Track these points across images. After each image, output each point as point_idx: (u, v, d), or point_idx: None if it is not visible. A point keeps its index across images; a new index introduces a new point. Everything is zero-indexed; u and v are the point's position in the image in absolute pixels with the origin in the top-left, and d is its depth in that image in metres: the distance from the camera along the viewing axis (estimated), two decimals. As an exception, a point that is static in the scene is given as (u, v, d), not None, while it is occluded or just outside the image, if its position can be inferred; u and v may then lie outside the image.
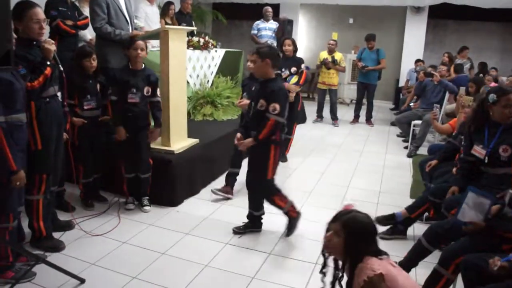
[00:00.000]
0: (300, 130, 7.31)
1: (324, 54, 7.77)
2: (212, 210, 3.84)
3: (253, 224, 3.46)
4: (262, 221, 3.50)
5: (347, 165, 5.44)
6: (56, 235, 3.14)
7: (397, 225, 3.42)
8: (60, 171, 3.24)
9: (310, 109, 8.41)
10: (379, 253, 1.72)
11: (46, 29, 2.80)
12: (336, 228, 1.76)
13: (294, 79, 5.13)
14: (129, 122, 3.62)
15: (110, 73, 3.61)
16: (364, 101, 8.00)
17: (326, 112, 8.01)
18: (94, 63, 3.55)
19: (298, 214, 3.41)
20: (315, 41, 11.03)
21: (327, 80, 7.73)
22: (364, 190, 4.51)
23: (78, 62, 3.51)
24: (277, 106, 3.02)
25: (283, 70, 5.09)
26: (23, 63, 2.60)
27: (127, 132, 3.63)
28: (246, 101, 3.10)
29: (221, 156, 4.59)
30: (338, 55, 7.70)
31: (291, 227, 3.39)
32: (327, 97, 7.86)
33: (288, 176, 4.89)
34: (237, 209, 3.80)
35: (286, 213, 3.39)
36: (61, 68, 2.80)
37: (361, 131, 7.51)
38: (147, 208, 3.80)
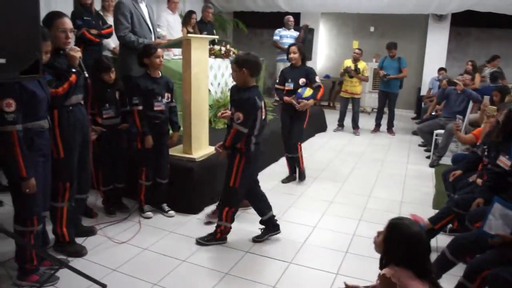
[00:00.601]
0: (320, 139, 7.31)
1: (348, 63, 7.73)
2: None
3: (268, 229, 3.45)
4: (277, 222, 3.50)
5: (368, 174, 5.38)
6: (78, 240, 3.18)
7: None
8: (88, 180, 3.28)
9: (331, 117, 8.37)
10: (422, 273, 1.71)
11: (72, 38, 2.86)
12: (384, 228, 1.83)
13: (308, 91, 4.55)
14: (155, 129, 3.67)
15: (133, 82, 3.65)
16: (386, 110, 7.93)
17: (347, 121, 7.96)
18: (113, 76, 3.59)
19: (223, 239, 3.36)
20: (335, 50, 11.01)
21: (350, 88, 7.69)
22: (385, 200, 4.46)
23: (97, 74, 3.54)
24: (241, 115, 3.05)
25: (289, 81, 4.64)
26: (49, 70, 2.67)
27: (152, 138, 3.66)
28: (228, 113, 3.19)
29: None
30: (361, 64, 7.65)
31: (207, 241, 3.34)
32: (349, 106, 7.82)
33: (309, 185, 4.87)
34: (257, 217, 3.79)
35: (216, 227, 3.36)
36: (86, 75, 2.85)
37: (383, 140, 7.44)
38: (171, 212, 3.86)
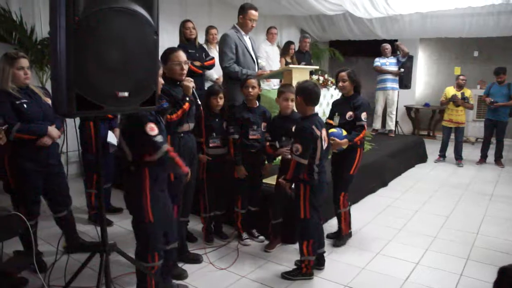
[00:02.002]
0: (420, 170, 6.95)
1: (451, 90, 7.31)
2: (330, 250, 3.74)
3: (318, 261, 3.35)
4: (325, 258, 3.41)
5: (474, 209, 4.97)
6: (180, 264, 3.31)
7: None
8: (190, 204, 3.43)
9: (431, 147, 7.93)
10: None
11: (186, 69, 3.06)
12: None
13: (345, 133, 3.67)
14: (250, 158, 3.73)
15: (230, 111, 3.78)
16: (493, 139, 7.33)
17: (449, 151, 7.49)
18: (221, 102, 3.69)
19: (309, 274, 3.23)
20: (436, 77, 10.50)
21: (454, 117, 7.24)
22: (496, 239, 4.06)
23: (206, 100, 3.67)
24: (299, 147, 2.98)
25: (336, 115, 3.84)
26: (166, 98, 2.87)
27: (246, 168, 3.72)
28: (283, 150, 3.23)
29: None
30: (467, 92, 7.19)
31: (294, 276, 3.23)
32: (451, 135, 7.36)
33: (409, 219, 4.61)
34: (354, 249, 3.67)
35: (300, 262, 3.25)
36: (199, 102, 3.07)
37: (490, 172, 6.86)
38: (261, 238, 3.91)
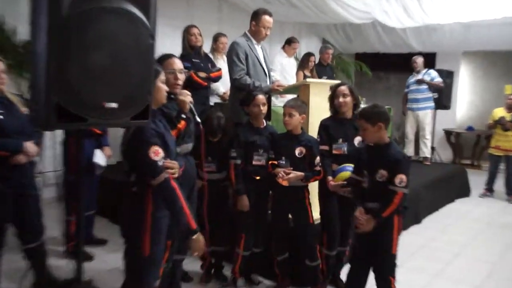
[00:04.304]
0: (462, 206, 6.87)
1: (500, 112, 7.21)
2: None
3: None
4: None
5: (529, 255, 4.86)
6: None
7: None
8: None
9: (476, 179, 7.84)
10: None
11: (182, 80, 3.03)
12: None
13: (352, 165, 3.43)
14: (254, 188, 3.66)
15: (235, 132, 3.73)
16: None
17: (498, 184, 7.37)
18: (216, 138, 3.71)
19: None
20: (481, 96, 10.43)
21: (503, 144, 7.14)
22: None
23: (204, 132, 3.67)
24: (404, 177, 2.98)
25: (339, 141, 3.64)
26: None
27: (250, 199, 3.63)
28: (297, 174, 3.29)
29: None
30: (519, 114, 7.12)
31: None
32: (501, 166, 7.25)
33: (447, 264, 4.51)
34: None
35: None
36: (198, 120, 3.01)
37: (547, 210, 6.73)
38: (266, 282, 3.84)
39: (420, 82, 7.75)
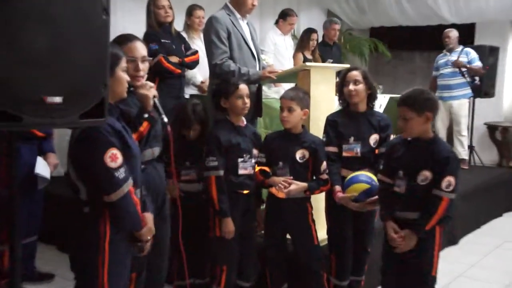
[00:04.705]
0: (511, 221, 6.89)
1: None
2: None
3: None
4: None
5: None
6: None
7: None
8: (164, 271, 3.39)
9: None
10: None
11: (145, 70, 3.00)
12: None
13: (368, 173, 3.58)
14: (240, 206, 3.63)
15: (212, 134, 3.66)
16: None
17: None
18: (193, 134, 3.74)
19: None
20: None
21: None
22: None
23: (175, 128, 3.65)
24: (452, 180, 3.04)
25: (350, 140, 3.70)
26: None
27: (235, 220, 3.58)
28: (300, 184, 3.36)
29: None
30: None
31: None
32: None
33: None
34: None
35: None
36: (165, 120, 2.95)
37: None
38: None
39: (457, 64, 7.66)
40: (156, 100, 2.93)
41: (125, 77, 2.58)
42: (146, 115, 2.88)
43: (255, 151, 3.70)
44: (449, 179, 3.02)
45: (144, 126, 2.87)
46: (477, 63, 7.73)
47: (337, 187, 3.54)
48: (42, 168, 4.08)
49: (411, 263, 3.14)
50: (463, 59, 7.70)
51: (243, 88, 3.63)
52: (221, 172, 3.54)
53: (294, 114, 3.52)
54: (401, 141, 3.27)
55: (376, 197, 3.43)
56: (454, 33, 7.85)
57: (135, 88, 2.92)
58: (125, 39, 2.91)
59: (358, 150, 3.65)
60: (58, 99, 1.97)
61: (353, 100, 3.68)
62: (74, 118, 2.07)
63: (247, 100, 3.62)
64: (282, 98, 3.63)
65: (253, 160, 3.69)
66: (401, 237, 3.08)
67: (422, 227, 3.04)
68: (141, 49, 2.95)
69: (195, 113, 3.72)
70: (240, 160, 3.60)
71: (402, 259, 3.15)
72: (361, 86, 3.64)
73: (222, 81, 3.86)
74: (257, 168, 3.69)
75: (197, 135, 3.75)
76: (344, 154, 3.67)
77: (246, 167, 3.62)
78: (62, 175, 5.16)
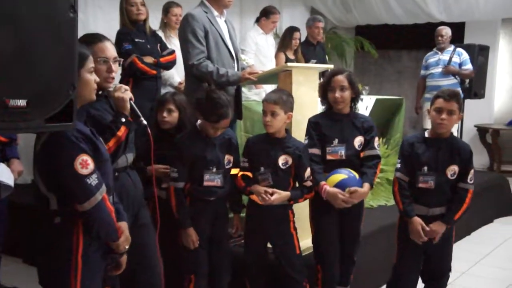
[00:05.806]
0: (503, 227, 6.97)
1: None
2: None
3: None
4: None
5: None
6: None
7: None
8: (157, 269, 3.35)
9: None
10: None
11: (117, 72, 3.00)
12: None
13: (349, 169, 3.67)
14: (206, 213, 3.64)
15: (176, 143, 3.64)
16: None
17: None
18: (169, 118, 3.72)
19: None
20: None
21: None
22: None
23: (155, 116, 3.71)
24: (473, 173, 3.41)
25: (334, 142, 3.71)
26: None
27: (203, 227, 3.61)
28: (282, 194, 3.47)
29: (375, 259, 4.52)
30: None
31: None
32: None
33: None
34: None
35: None
36: (144, 122, 2.92)
37: None
38: None
39: (448, 72, 7.73)
40: (132, 102, 2.89)
41: (92, 78, 2.52)
42: (123, 119, 2.84)
43: (228, 158, 3.66)
44: (472, 172, 3.41)
45: (122, 131, 2.82)
46: (468, 66, 7.78)
47: (323, 182, 3.55)
48: (6, 175, 4.03)
49: (434, 256, 3.47)
50: (455, 59, 7.76)
51: (225, 122, 3.58)
52: (181, 185, 3.56)
53: (278, 118, 3.50)
54: (417, 139, 3.55)
55: (355, 187, 3.49)
56: (447, 32, 7.90)
57: (108, 92, 2.90)
58: (95, 39, 2.88)
59: (343, 152, 3.66)
60: (22, 102, 1.94)
61: (338, 106, 3.70)
62: (39, 122, 2.04)
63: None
64: (264, 101, 3.61)
65: (227, 166, 3.66)
66: (431, 231, 3.38)
67: (451, 219, 3.42)
68: (112, 50, 2.92)
69: (174, 98, 3.73)
70: (206, 172, 3.57)
71: (426, 253, 3.50)
72: (347, 93, 3.66)
73: (208, 104, 3.59)
74: (240, 174, 3.69)
75: (173, 123, 3.73)
76: (328, 157, 3.68)
77: (213, 179, 3.58)
78: (29, 182, 5.12)
